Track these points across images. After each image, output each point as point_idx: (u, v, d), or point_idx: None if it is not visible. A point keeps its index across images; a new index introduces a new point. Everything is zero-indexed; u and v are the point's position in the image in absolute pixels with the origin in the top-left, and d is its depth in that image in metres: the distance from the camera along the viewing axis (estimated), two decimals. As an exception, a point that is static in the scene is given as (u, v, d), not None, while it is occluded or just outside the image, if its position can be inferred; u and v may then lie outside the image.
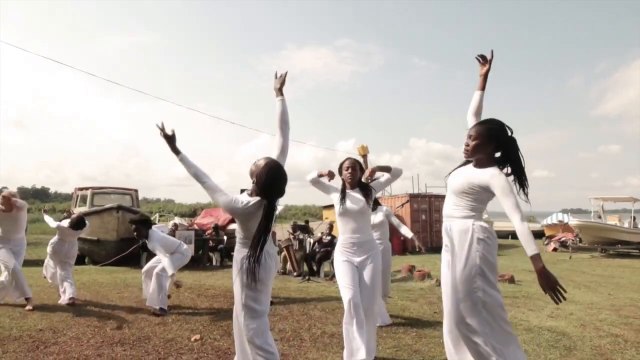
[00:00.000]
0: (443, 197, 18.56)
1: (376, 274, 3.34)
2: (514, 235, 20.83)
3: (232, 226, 13.13)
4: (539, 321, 4.93)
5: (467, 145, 2.48)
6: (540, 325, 4.70)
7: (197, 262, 11.07)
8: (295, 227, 10.54)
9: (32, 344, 3.76)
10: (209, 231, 13.65)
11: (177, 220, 16.39)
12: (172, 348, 3.76)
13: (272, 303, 4.50)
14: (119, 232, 10.09)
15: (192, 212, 39.91)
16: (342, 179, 3.55)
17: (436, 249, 17.01)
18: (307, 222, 15.24)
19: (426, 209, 17.79)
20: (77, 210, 11.94)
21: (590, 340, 4.17)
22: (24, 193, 60.36)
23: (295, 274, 9.66)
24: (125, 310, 5.18)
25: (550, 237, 19.10)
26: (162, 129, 2.72)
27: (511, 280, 7.68)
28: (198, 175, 2.58)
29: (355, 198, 3.39)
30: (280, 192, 2.57)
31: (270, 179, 2.53)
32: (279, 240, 10.48)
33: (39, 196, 53.17)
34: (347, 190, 3.47)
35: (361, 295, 3.21)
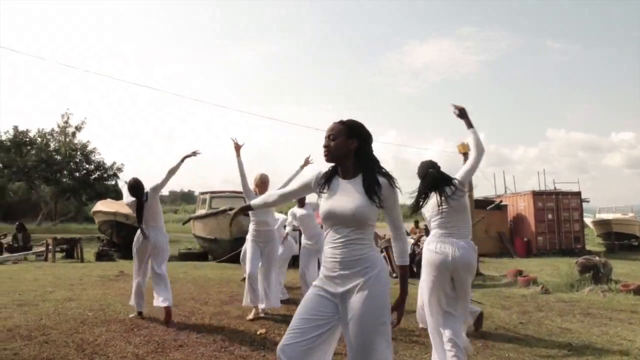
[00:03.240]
0: (573, 194, 16.73)
1: None
2: None
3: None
4: (647, 340, 4.21)
5: None
6: (645, 345, 4.02)
7: (293, 260, 11.52)
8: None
9: (130, 326, 4.39)
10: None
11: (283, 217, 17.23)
12: (237, 338, 4.07)
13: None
14: (232, 232, 11.04)
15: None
16: None
17: (565, 251, 15.41)
18: (416, 222, 14.88)
19: (553, 208, 16.05)
20: (199, 211, 13.38)
21: None
22: (174, 196, 68.93)
23: (394, 275, 9.54)
24: (214, 304, 5.68)
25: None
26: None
27: (638, 290, 6.59)
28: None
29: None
30: None
31: None
32: (379, 240, 10.46)
33: (185, 199, 60.38)
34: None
35: None
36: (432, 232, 3.33)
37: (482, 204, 15.69)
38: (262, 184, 5.13)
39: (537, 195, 16.28)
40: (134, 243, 4.94)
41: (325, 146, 2.08)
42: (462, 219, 3.25)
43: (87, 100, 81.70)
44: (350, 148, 2.05)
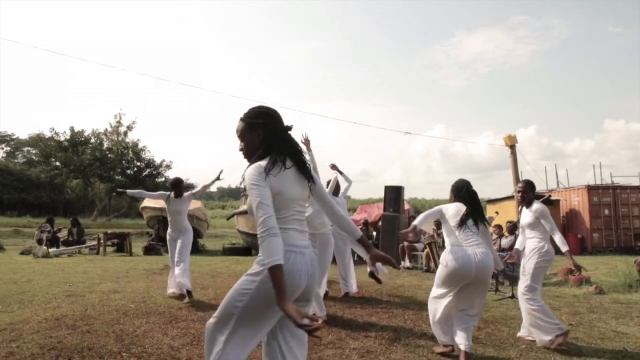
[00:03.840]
0: (632, 188, 15.64)
1: None
2: None
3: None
4: None
5: None
6: None
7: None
8: (440, 224, 10.10)
9: (168, 319, 4.49)
10: (359, 227, 14.08)
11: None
12: (271, 334, 4.06)
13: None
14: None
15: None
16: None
17: (623, 249, 14.47)
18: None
19: (610, 203, 15.09)
20: (242, 207, 13.60)
21: None
22: (221, 193, 70.70)
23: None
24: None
25: None
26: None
27: None
28: None
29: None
30: None
31: None
32: (423, 236, 10.25)
33: (232, 195, 61.93)
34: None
35: None
36: (453, 241, 3.53)
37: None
38: None
39: (592, 189, 15.35)
40: (167, 236, 5.67)
41: (240, 149, 2.00)
42: (485, 234, 3.61)
43: (138, 100, 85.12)
44: (258, 140, 1.93)
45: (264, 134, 1.92)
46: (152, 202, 13.47)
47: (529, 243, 4.10)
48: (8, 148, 48.99)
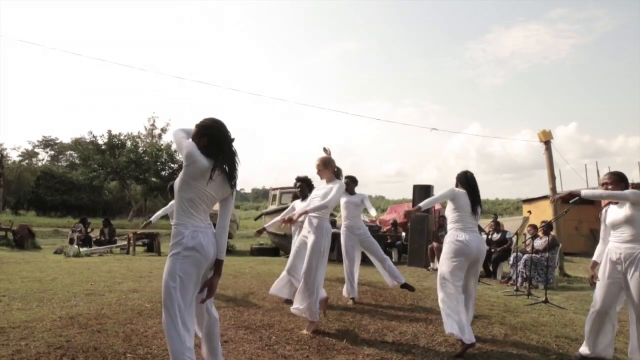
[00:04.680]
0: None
1: None
2: None
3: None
4: None
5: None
6: None
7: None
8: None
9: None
10: (387, 227, 13.75)
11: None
12: (284, 337, 3.90)
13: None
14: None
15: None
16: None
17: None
18: (495, 216, 13.91)
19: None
20: (270, 207, 13.55)
21: None
22: (256, 194, 71.49)
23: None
24: (272, 299, 5.54)
25: None
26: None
27: None
28: None
29: None
30: None
31: None
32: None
33: (266, 196, 62.57)
34: None
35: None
36: (456, 224, 3.90)
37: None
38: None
39: (636, 188, 14.44)
40: None
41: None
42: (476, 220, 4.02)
43: (171, 103, 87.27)
44: (204, 145, 2.44)
45: (208, 142, 2.45)
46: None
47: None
48: (52, 152, 51.20)
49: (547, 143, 8.62)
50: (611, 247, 3.35)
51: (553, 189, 8.92)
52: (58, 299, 5.08)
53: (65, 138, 54.41)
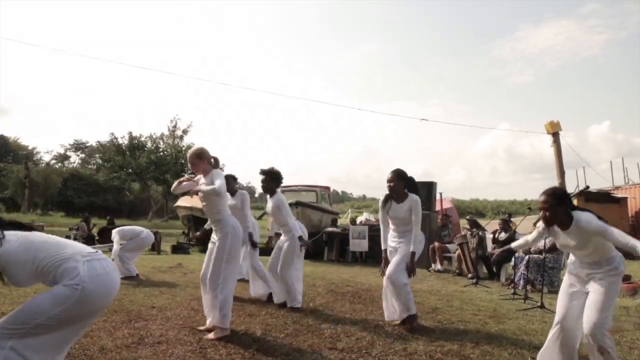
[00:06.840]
0: None
1: None
2: None
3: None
4: None
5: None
6: None
7: (373, 258, 10.76)
8: (473, 223, 9.12)
9: (131, 317, 4.12)
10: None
11: (365, 215, 16.52)
12: (223, 340, 3.57)
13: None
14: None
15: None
16: None
17: None
18: (509, 215, 13.16)
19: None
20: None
21: None
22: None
23: (470, 275, 8.39)
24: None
25: None
26: None
27: None
28: None
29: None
30: None
31: None
32: (455, 237, 9.35)
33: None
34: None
35: None
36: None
37: (593, 197, 13.33)
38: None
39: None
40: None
41: None
42: None
43: (194, 104, 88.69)
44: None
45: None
46: (184, 201, 13.51)
47: None
48: (83, 155, 52.66)
49: (556, 135, 8.01)
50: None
51: (561, 185, 8.26)
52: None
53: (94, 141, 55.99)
